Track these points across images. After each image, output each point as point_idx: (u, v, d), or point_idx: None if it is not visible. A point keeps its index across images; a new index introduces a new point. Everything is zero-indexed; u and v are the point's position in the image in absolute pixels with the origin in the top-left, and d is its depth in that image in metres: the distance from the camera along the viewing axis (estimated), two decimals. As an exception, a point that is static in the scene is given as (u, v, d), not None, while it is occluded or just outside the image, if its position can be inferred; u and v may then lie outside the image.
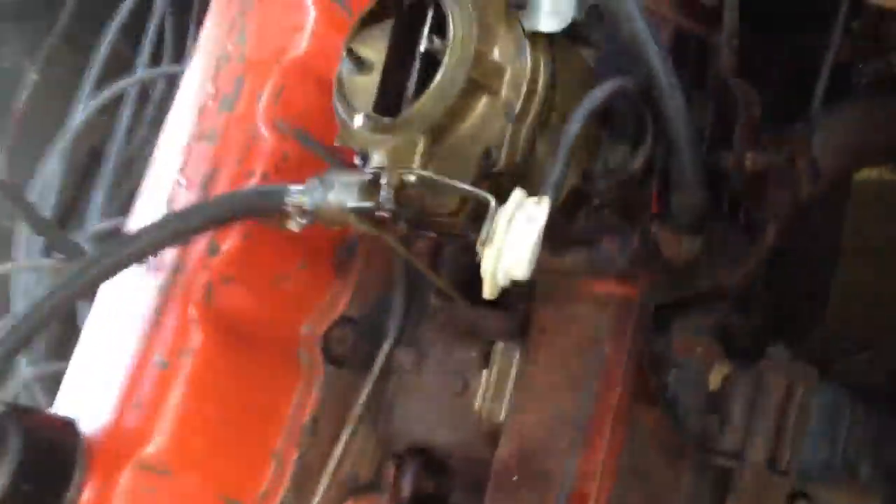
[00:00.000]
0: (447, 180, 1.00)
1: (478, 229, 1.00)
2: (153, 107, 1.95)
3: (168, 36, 1.97)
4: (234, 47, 1.32)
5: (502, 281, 1.00)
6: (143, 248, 1.16)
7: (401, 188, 1.00)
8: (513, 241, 0.98)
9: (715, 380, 1.51)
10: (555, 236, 1.15)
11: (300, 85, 1.30)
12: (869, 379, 1.69)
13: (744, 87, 1.19)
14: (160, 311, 1.25)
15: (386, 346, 1.38)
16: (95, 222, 1.94)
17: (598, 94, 1.04)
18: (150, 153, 1.39)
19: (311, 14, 1.31)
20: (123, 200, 1.90)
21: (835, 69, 1.44)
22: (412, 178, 1.00)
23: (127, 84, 1.84)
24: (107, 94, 1.80)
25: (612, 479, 1.25)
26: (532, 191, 1.02)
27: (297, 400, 1.35)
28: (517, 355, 1.31)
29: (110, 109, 1.97)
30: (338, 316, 1.38)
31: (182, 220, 1.18)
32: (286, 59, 1.30)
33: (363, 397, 1.37)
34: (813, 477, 1.46)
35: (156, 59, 2.00)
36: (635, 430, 1.32)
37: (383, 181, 1.00)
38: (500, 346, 1.32)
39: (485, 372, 1.32)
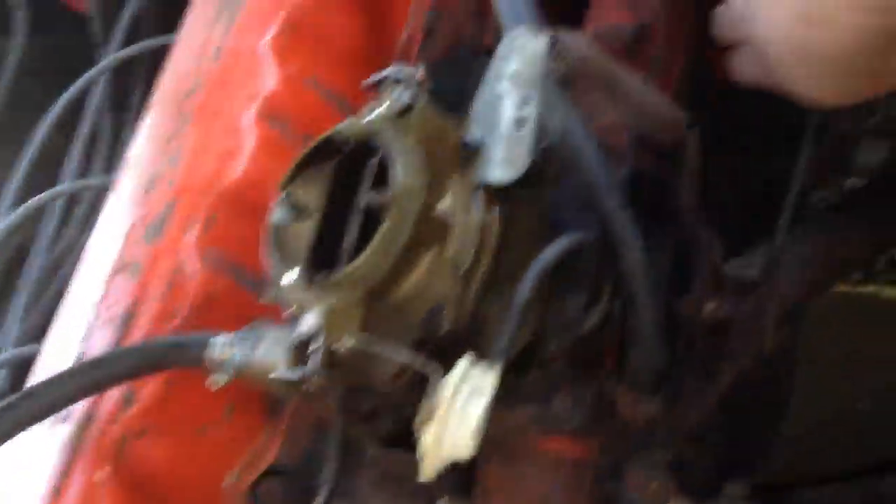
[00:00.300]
0: (385, 348, 0.90)
1: (418, 399, 0.90)
2: (83, 212, 1.83)
3: (105, 136, 1.86)
4: (166, 169, 1.21)
5: (444, 462, 0.90)
6: (49, 403, 1.07)
7: (332, 355, 0.90)
8: (457, 417, 0.88)
9: (670, 519, 1.43)
10: (503, 392, 1.05)
11: (234, 215, 1.20)
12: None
13: (704, 232, 1.13)
14: (63, 473, 1.11)
15: (319, 502, 1.26)
16: (14, 334, 1.80)
17: (552, 252, 0.96)
18: (76, 259, 1.27)
19: (250, 139, 1.21)
20: (45, 310, 1.77)
21: (784, 194, 1.40)
22: (347, 345, 0.90)
23: (50, 196, 1.73)
24: (28, 207, 1.68)
25: None
26: (480, 351, 0.93)
27: (218, 565, 1.22)
28: (463, 514, 1.20)
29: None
30: (267, 467, 1.25)
31: (92, 371, 1.07)
32: (220, 186, 1.20)
33: (292, 560, 1.24)
34: None
35: (90, 160, 1.89)
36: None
37: (314, 346, 0.90)
38: None
39: (428, 532, 1.21)
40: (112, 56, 1.79)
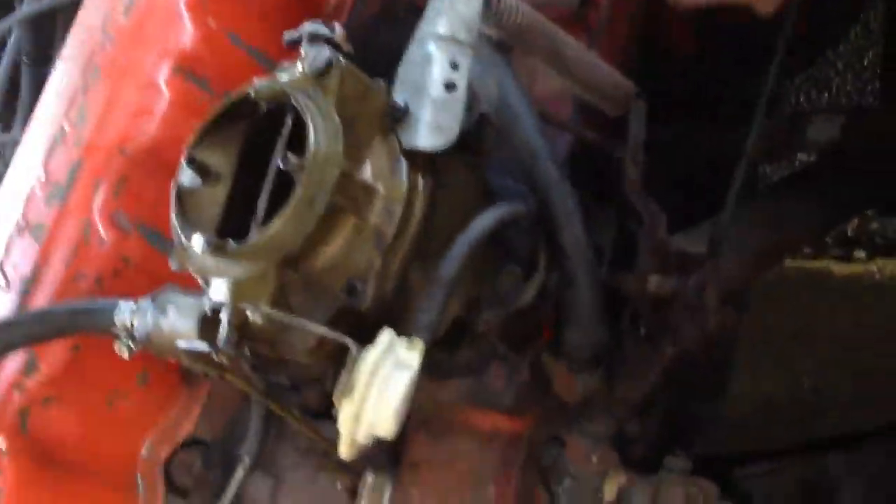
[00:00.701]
0: (301, 321, 0.83)
1: (338, 374, 0.84)
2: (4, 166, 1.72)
3: (25, 89, 1.74)
4: (72, 128, 1.12)
5: (363, 440, 0.84)
6: None
7: (244, 326, 0.83)
8: (377, 393, 0.82)
9: (610, 491, 1.40)
10: (432, 363, 0.99)
11: (148, 176, 1.12)
12: (772, 495, 1.59)
13: (649, 206, 1.07)
14: (-38, 443, 1.04)
15: (239, 473, 1.20)
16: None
17: (484, 224, 0.89)
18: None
19: (164, 96, 1.13)
20: None
21: (732, 168, 1.35)
22: (258, 316, 0.83)
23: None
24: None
25: None
26: (404, 327, 0.86)
27: (132, 537, 1.15)
28: (388, 491, 1.14)
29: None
30: (183, 438, 1.19)
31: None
32: (131, 146, 1.11)
33: (211, 534, 1.18)
34: None
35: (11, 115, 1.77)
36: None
37: (223, 318, 0.83)
38: (369, 478, 1.16)
39: (351, 507, 1.15)
40: (26, 7, 1.68)
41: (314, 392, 1.25)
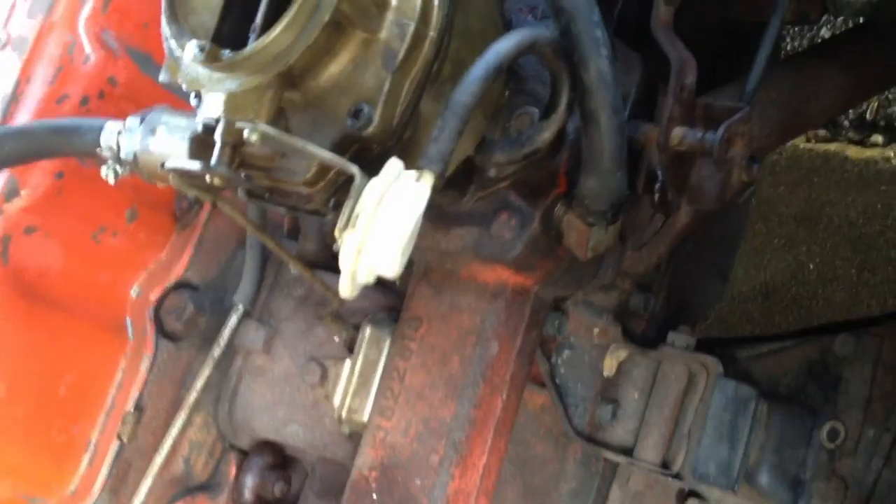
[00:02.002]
0: (301, 142, 0.76)
1: (340, 206, 0.77)
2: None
3: None
4: (58, -69, 1.03)
5: (365, 278, 0.78)
6: None
7: (239, 146, 0.76)
8: (382, 228, 0.76)
9: (610, 365, 1.38)
10: (439, 210, 0.93)
11: (139, -9, 1.03)
12: (775, 376, 1.56)
13: (679, 50, 0.98)
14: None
15: (232, 320, 1.15)
16: None
17: (503, 48, 0.81)
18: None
19: None
20: None
21: (754, 32, 1.26)
22: (255, 135, 0.75)
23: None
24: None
25: (488, 500, 1.06)
26: (412, 160, 0.79)
27: (120, 380, 1.12)
28: (387, 344, 1.10)
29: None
30: (175, 280, 1.13)
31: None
32: (121, -45, 1.03)
33: (202, 380, 1.14)
34: (709, 478, 1.33)
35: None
36: (519, 414, 1.15)
37: (217, 136, 0.76)
38: (367, 330, 1.12)
39: (347, 361, 1.12)
40: None
41: (311, 242, 1.19)
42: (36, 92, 1.01)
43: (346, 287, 0.78)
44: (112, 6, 1.03)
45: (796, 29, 2.04)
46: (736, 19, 1.43)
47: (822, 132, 2.18)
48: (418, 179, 0.77)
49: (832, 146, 2.20)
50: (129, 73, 1.04)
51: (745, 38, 1.36)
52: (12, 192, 1.01)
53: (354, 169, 0.76)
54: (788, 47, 2.12)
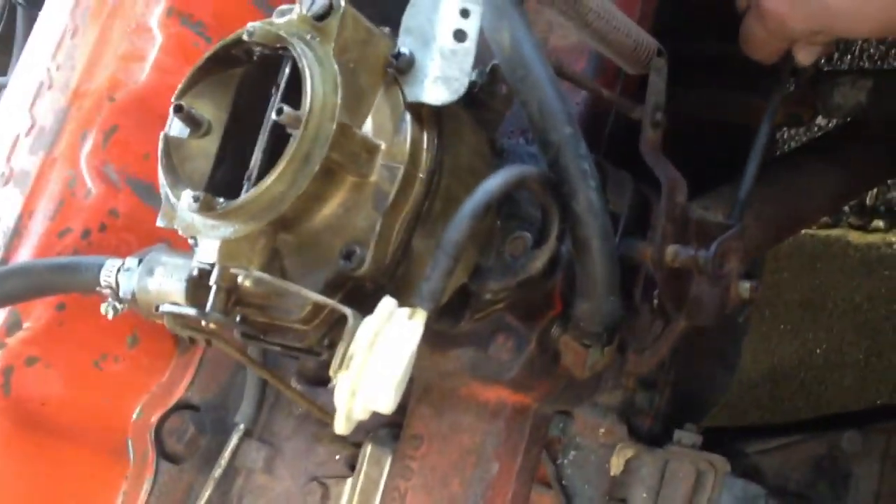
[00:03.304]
0: (294, 287, 0.78)
1: (334, 344, 0.78)
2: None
3: (20, 31, 1.68)
4: (59, 71, 1.06)
5: (360, 416, 0.78)
6: None
7: (234, 290, 0.78)
8: (375, 367, 0.76)
9: (617, 463, 1.37)
10: (436, 334, 0.94)
11: (138, 126, 1.06)
12: (784, 472, 1.55)
13: (669, 171, 1.00)
14: (-57, 403, 1.00)
15: (233, 440, 1.15)
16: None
17: (492, 186, 0.82)
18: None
19: (157, 40, 1.06)
20: None
21: (742, 135, 1.29)
22: (249, 281, 0.77)
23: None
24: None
25: None
26: (405, 297, 0.80)
27: (122, 503, 1.11)
28: (388, 462, 1.10)
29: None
30: (176, 401, 1.14)
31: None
32: (121, 93, 1.05)
33: (203, 501, 1.14)
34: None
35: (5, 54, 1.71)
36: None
37: (212, 282, 0.77)
38: (368, 449, 1.11)
39: (349, 480, 1.11)
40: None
41: (312, 360, 1.20)
42: (38, 226, 1.03)
43: (342, 425, 0.79)
44: (112, 140, 1.05)
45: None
46: (728, 123, 1.46)
47: (823, 218, 2.19)
48: (411, 317, 0.79)
49: (834, 232, 2.21)
50: (130, 204, 1.06)
51: (739, 138, 1.38)
52: (14, 326, 1.02)
53: (347, 311, 0.77)
54: (792, 143, 2.14)
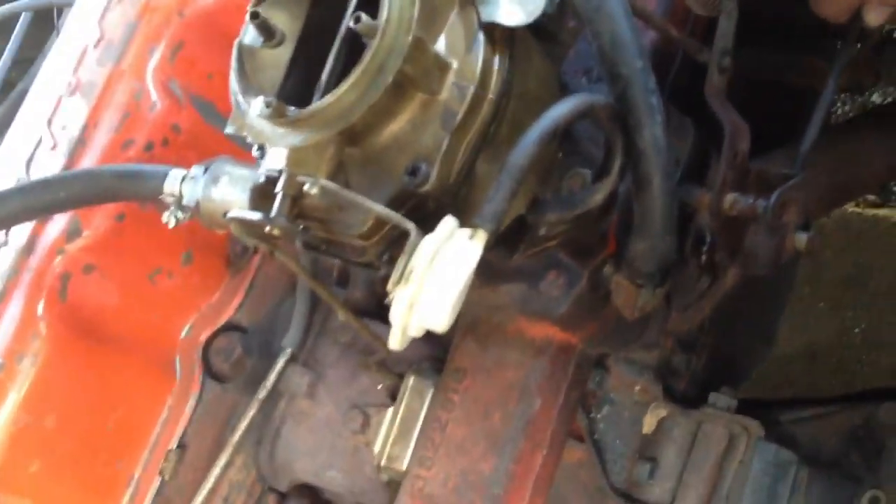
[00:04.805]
0: (359, 198, 0.78)
1: (393, 260, 0.79)
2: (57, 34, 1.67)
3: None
4: (129, -15, 1.07)
5: (415, 332, 0.79)
6: None
7: (299, 199, 0.78)
8: (434, 284, 0.77)
9: (650, 422, 1.37)
10: (487, 266, 0.94)
11: (205, 44, 1.07)
12: (817, 441, 1.54)
13: (732, 117, 0.99)
14: (0, 302, 1.02)
15: (279, 364, 1.17)
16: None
17: (559, 112, 0.82)
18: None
19: (228, -42, 1.07)
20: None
21: (802, 97, 1.27)
22: (315, 189, 0.78)
23: (14, 8, 1.57)
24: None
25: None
26: (466, 217, 0.81)
27: (166, 417, 1.14)
28: (430, 394, 1.11)
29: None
30: (224, 322, 1.15)
31: (31, 194, 0.95)
32: (190, 9, 1.06)
33: (246, 421, 1.15)
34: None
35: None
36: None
37: (278, 188, 0.78)
38: (410, 380, 1.13)
39: (390, 409, 1.13)
40: None
41: (359, 290, 1.21)
42: (102, 137, 1.04)
43: (397, 340, 0.80)
44: (179, 56, 1.06)
45: (847, 95, 2.04)
46: (787, 84, 1.44)
47: (871, 196, 2.16)
48: (471, 237, 0.79)
49: (881, 211, 2.18)
50: (192, 121, 1.07)
51: (796, 103, 1.37)
52: (74, 233, 1.04)
53: (410, 225, 0.78)
54: (839, 111, 2.12)
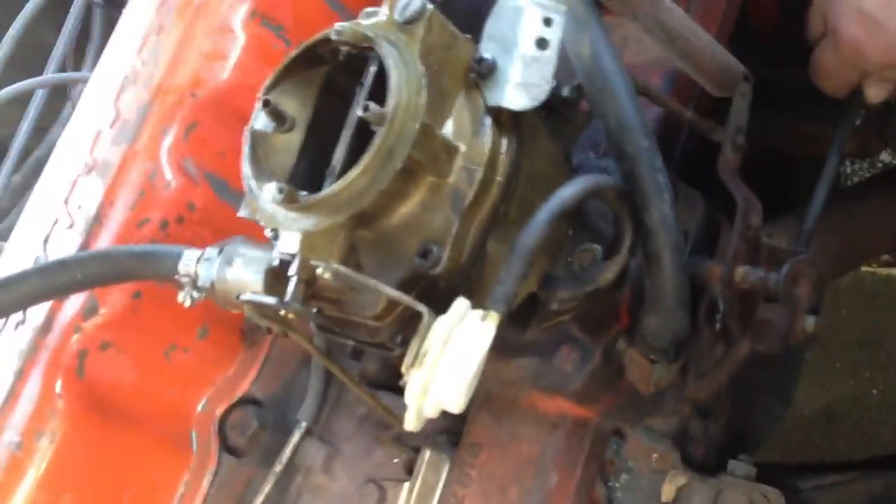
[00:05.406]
0: (371, 281, 0.79)
1: (406, 340, 0.79)
2: (72, 107, 1.70)
3: (96, 30, 1.72)
4: (143, 66, 1.09)
5: (430, 413, 0.79)
6: (4, 303, 0.97)
7: (312, 283, 0.79)
8: (448, 366, 0.77)
9: (669, 491, 1.35)
10: (501, 341, 0.94)
11: (217, 123, 1.09)
12: (839, 507, 1.52)
13: (746, 194, 1.00)
14: (19, 380, 1.03)
15: (295, 438, 1.17)
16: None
17: (567, 193, 0.83)
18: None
19: (239, 40, 1.09)
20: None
21: (809, 165, 1.27)
22: (328, 273, 0.79)
23: (30, 86, 1.60)
24: (6, 93, 1.55)
25: None
26: (478, 298, 0.81)
27: (183, 493, 1.13)
28: (446, 469, 1.10)
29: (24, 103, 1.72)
30: (240, 396, 1.16)
31: (49, 275, 0.97)
32: (202, 90, 1.08)
33: (262, 496, 1.15)
34: None
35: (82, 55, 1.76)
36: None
37: (292, 272, 0.79)
38: (426, 454, 1.12)
39: (406, 484, 1.12)
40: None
41: (373, 363, 1.21)
42: (118, 215, 1.06)
43: (412, 421, 0.80)
44: (192, 136, 1.08)
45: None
46: (790, 153, 1.45)
47: (885, 256, 2.16)
48: (484, 319, 0.80)
49: (893, 271, 2.18)
50: (206, 198, 1.08)
51: (799, 169, 1.37)
52: (91, 311, 1.05)
53: (423, 308, 0.78)
54: (849, 170, 2.12)
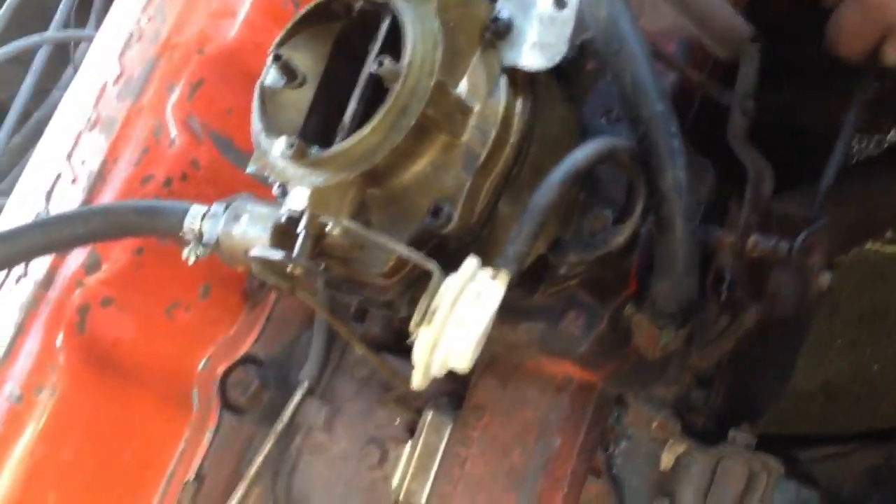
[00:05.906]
0: (382, 237, 0.78)
1: (414, 300, 0.79)
2: (74, 69, 1.68)
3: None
4: (150, 23, 1.08)
5: (437, 372, 0.79)
6: (6, 256, 0.97)
7: (321, 239, 0.78)
8: (457, 324, 0.77)
9: (668, 459, 1.35)
10: (508, 304, 0.94)
11: (223, 81, 1.08)
12: (838, 480, 1.52)
13: (756, 160, 0.99)
14: (20, 334, 1.02)
15: (297, 397, 1.16)
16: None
17: (581, 155, 0.82)
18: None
19: (247, -1, 1.08)
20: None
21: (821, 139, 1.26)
22: (338, 229, 0.78)
23: (32, 43, 1.58)
24: (7, 51, 1.53)
25: None
26: (487, 258, 0.80)
27: (183, 449, 1.13)
28: (448, 430, 1.10)
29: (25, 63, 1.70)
30: (242, 355, 1.15)
31: (51, 229, 0.96)
32: (210, 47, 1.07)
33: (263, 454, 1.15)
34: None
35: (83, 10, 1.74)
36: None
37: (300, 228, 0.78)
38: (429, 415, 1.12)
39: (408, 444, 1.12)
40: None
41: (376, 325, 1.20)
42: (122, 172, 1.05)
43: (419, 379, 0.79)
44: (198, 93, 1.07)
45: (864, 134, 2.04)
46: (802, 126, 1.43)
47: (888, 234, 2.15)
48: (493, 278, 0.79)
49: (896, 248, 2.18)
50: (210, 156, 1.07)
51: (810, 144, 1.36)
52: (93, 266, 1.04)
53: (433, 265, 0.77)
54: (856, 149, 2.11)
